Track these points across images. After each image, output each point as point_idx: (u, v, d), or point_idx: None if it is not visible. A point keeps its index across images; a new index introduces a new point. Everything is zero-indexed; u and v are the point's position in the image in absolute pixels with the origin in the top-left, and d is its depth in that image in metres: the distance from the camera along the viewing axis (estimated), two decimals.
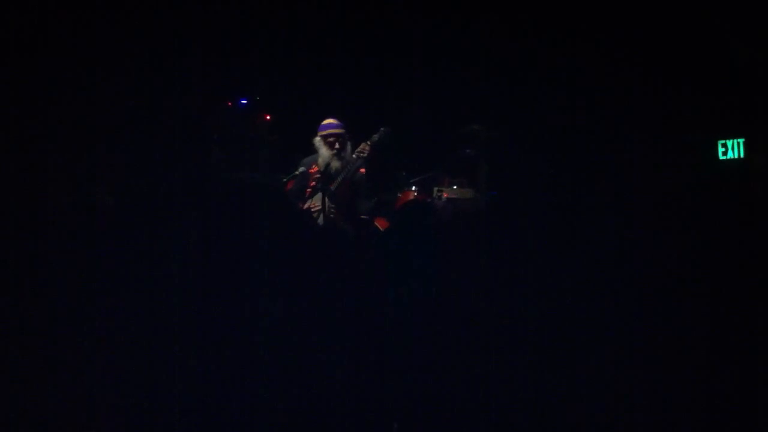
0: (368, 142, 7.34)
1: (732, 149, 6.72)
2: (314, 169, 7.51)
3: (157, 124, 6.69)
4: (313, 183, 7.47)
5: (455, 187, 7.71)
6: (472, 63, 7.80)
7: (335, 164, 7.40)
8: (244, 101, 8.87)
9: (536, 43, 7.06)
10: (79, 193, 6.37)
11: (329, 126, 7.52)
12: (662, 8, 6.49)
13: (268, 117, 8.97)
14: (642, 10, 6.52)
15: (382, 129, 7.40)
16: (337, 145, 7.44)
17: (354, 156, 7.46)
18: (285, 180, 7.58)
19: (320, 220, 7.31)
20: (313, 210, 7.34)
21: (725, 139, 6.73)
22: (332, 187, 7.33)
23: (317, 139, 7.54)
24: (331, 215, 7.28)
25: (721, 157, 6.77)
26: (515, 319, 6.15)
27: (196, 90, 7.07)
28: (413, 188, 7.81)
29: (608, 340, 5.92)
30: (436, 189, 7.72)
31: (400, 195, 7.85)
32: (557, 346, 5.94)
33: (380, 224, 7.40)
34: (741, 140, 6.67)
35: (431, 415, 5.87)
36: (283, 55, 8.23)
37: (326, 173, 7.39)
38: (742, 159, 6.67)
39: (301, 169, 7.56)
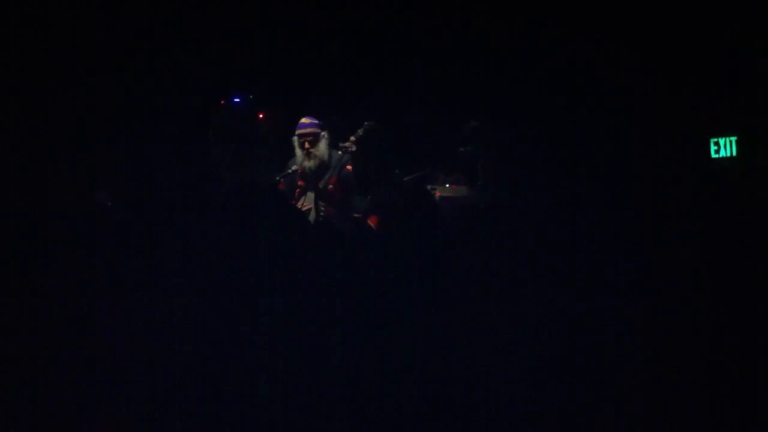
0: (353, 138, 7.38)
1: (724, 147, 6.73)
2: (300, 168, 7.56)
3: (156, 123, 6.68)
4: (301, 182, 7.52)
5: (447, 185, 7.74)
6: (470, 59, 7.84)
7: (307, 164, 7.46)
8: (237, 99, 8.89)
9: (536, 42, 7.09)
10: (78, 193, 6.35)
11: (299, 126, 7.58)
12: (663, 8, 6.54)
13: (261, 115, 9.00)
14: (643, 10, 6.56)
15: (366, 123, 7.44)
16: (306, 145, 7.49)
17: (339, 153, 7.49)
18: (278, 179, 7.62)
19: (311, 218, 7.33)
20: (303, 209, 7.37)
21: (718, 137, 6.76)
22: (320, 185, 7.37)
23: (294, 139, 7.60)
24: (322, 214, 7.31)
25: (714, 156, 6.80)
26: (514, 319, 6.17)
27: (195, 89, 7.08)
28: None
29: (608, 339, 5.95)
30: (429, 187, 7.74)
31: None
32: (558, 346, 5.96)
33: (373, 222, 7.42)
34: (734, 138, 6.69)
35: (430, 417, 5.89)
36: (281, 54, 8.26)
37: (305, 174, 7.45)
38: (734, 157, 6.70)
39: (293, 167, 7.60)
